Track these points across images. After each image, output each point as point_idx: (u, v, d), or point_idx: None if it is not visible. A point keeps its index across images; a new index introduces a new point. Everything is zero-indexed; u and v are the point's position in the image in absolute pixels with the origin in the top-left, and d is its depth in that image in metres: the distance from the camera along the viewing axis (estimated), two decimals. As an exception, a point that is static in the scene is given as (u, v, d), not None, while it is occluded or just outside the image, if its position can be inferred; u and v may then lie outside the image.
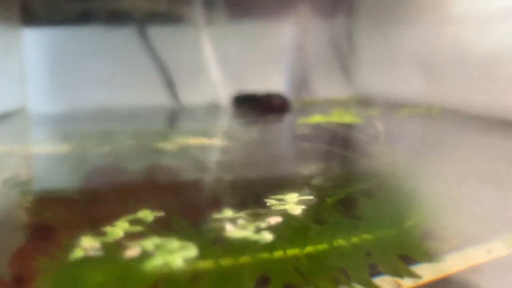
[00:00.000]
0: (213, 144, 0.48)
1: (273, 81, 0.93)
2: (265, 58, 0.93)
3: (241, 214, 0.23)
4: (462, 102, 0.61)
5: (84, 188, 0.32)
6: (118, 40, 0.87)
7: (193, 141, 0.48)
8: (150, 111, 0.83)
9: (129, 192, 0.31)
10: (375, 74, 0.89)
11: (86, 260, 0.19)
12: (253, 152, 0.45)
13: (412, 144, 0.48)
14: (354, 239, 0.20)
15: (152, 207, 0.24)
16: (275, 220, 0.22)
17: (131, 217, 0.23)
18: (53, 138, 0.54)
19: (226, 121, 0.74)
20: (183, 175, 0.36)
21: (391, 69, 0.81)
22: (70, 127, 0.66)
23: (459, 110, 0.61)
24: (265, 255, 0.19)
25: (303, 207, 0.24)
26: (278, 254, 0.19)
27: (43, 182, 0.36)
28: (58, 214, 0.26)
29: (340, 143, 0.49)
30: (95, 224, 0.22)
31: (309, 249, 0.19)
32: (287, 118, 0.72)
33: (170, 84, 0.90)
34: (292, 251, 0.19)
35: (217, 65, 0.84)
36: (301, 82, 0.95)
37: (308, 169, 0.37)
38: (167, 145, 0.46)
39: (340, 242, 0.20)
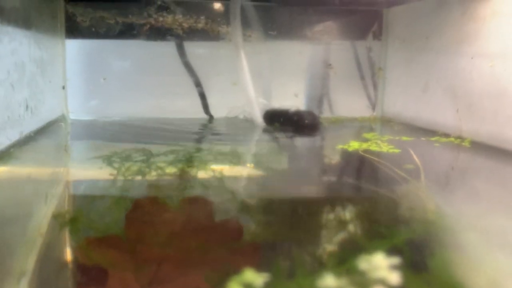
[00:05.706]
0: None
1: (299, 98, 0.97)
2: (292, 76, 0.96)
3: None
4: (495, 137, 0.63)
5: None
6: (157, 54, 0.90)
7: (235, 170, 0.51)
8: (184, 123, 0.86)
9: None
10: (403, 97, 0.91)
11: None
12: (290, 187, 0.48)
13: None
14: None
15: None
16: None
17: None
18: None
19: (260, 138, 0.77)
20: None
21: (421, 94, 0.83)
22: (112, 142, 0.69)
23: (491, 144, 0.64)
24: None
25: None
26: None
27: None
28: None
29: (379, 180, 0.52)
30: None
31: None
32: (323, 141, 0.75)
33: (203, 98, 0.93)
34: None
35: (251, 81, 0.86)
36: (326, 100, 0.98)
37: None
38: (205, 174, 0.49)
39: None
